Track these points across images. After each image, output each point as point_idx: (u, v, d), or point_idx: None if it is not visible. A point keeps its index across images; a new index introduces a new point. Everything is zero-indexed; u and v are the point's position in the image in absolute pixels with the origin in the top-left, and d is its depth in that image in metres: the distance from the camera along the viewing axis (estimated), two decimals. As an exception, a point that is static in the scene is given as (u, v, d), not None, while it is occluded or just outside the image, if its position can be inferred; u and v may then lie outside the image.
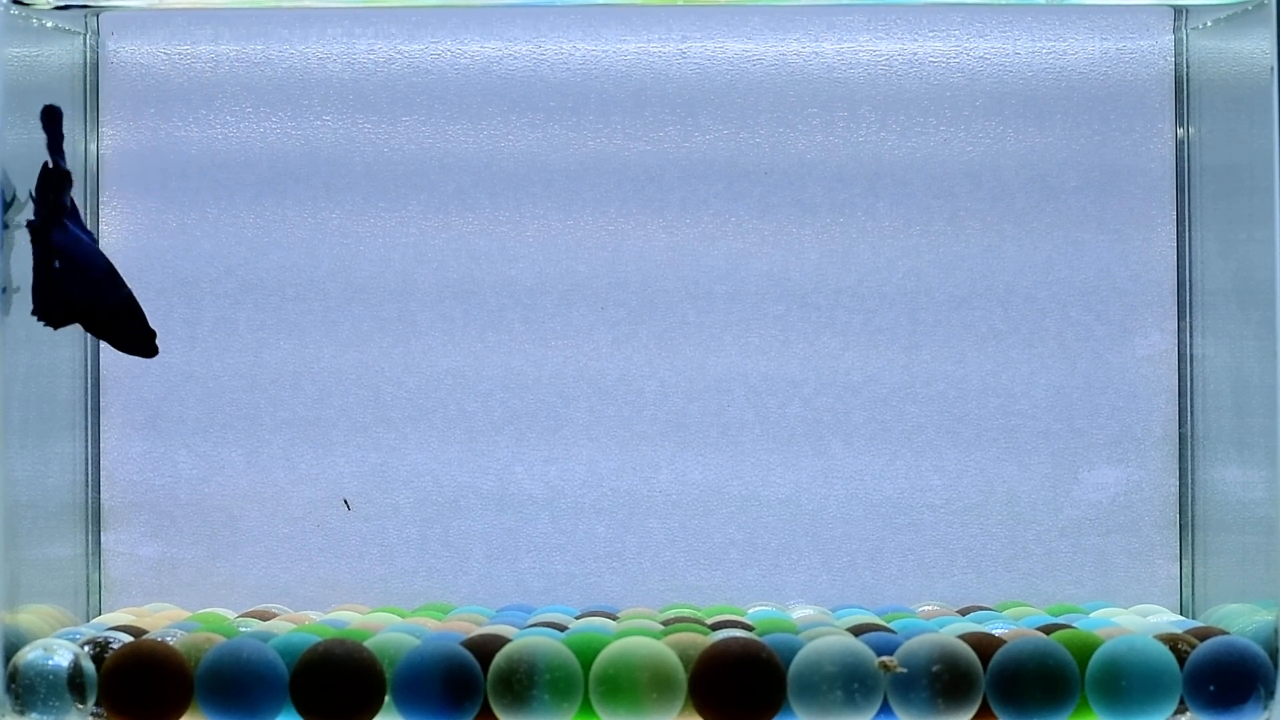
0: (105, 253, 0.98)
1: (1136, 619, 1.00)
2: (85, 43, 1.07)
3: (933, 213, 1.08)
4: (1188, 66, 1.07)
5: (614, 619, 1.00)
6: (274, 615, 1.02)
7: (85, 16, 1.07)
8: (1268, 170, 0.96)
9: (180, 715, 0.90)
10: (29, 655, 0.91)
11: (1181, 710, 0.91)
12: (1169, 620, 1.00)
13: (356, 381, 1.08)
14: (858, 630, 0.94)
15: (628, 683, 0.89)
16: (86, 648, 0.92)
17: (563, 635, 0.92)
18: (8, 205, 0.94)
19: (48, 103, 0.97)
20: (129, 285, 0.97)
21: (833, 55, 1.08)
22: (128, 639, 0.93)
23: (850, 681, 0.88)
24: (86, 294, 0.95)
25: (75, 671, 0.91)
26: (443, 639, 0.91)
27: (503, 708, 0.89)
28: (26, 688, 0.90)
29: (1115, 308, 1.08)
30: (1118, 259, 1.08)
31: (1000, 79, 1.08)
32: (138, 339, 0.98)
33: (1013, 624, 0.98)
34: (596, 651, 0.90)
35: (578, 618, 1.01)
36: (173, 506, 1.09)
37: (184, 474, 1.08)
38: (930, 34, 1.08)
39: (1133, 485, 1.08)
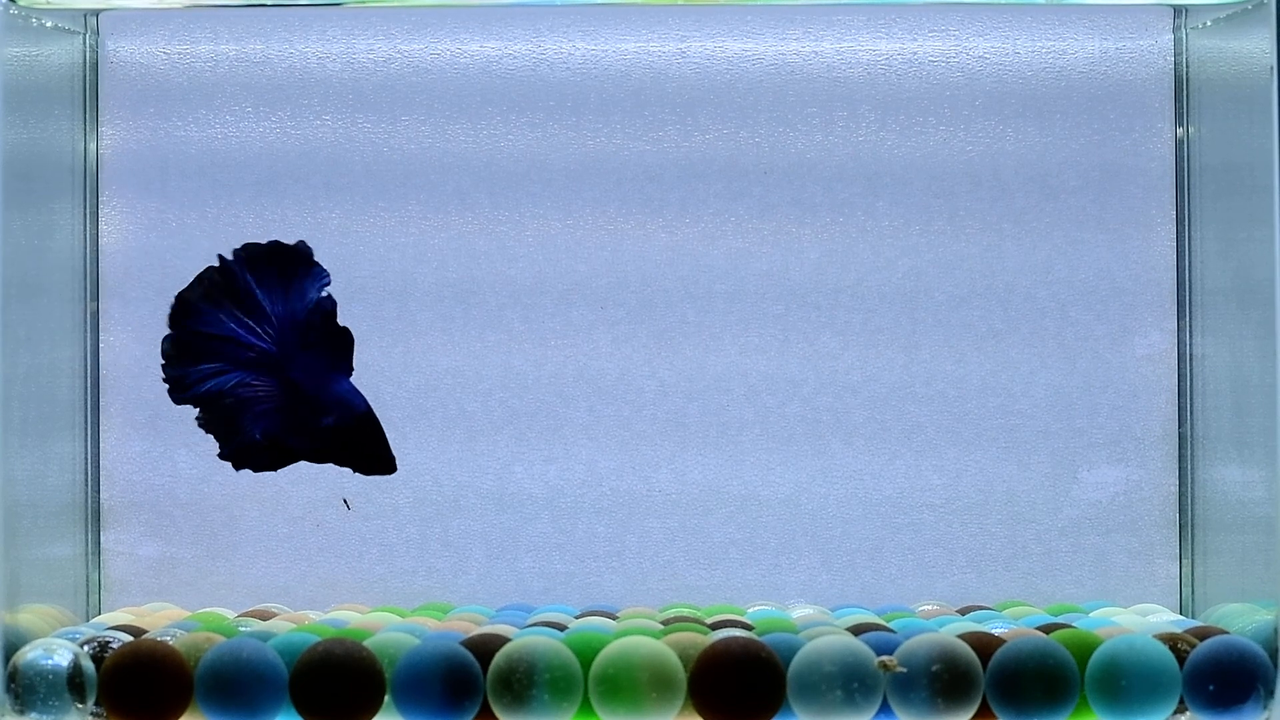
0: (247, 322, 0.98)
1: (1136, 619, 1.00)
2: (85, 42, 1.07)
3: (932, 213, 1.08)
4: (1187, 66, 1.07)
5: (614, 619, 1.00)
6: (274, 615, 1.02)
7: (85, 16, 1.07)
8: (1268, 170, 0.96)
9: (180, 715, 0.90)
10: (29, 655, 0.91)
11: (1181, 710, 0.91)
12: (1169, 620, 1.00)
13: (357, 381, 1.08)
14: (858, 630, 0.94)
15: (628, 683, 0.89)
16: (86, 647, 0.92)
17: (563, 635, 0.92)
18: None
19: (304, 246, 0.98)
20: (364, 406, 0.98)
21: (833, 55, 1.08)
22: (128, 639, 0.93)
23: (850, 681, 0.88)
24: (315, 423, 0.96)
25: (75, 671, 0.90)
26: (443, 639, 0.91)
27: (503, 707, 0.89)
28: (26, 687, 0.90)
29: (1115, 308, 1.08)
30: (1118, 259, 1.08)
31: (1000, 79, 1.08)
32: (372, 457, 0.98)
33: (1013, 624, 0.98)
34: (596, 651, 0.90)
35: (577, 617, 1.01)
36: (172, 506, 1.08)
37: (183, 474, 1.08)
38: (930, 34, 1.08)
39: (1133, 485, 1.08)
